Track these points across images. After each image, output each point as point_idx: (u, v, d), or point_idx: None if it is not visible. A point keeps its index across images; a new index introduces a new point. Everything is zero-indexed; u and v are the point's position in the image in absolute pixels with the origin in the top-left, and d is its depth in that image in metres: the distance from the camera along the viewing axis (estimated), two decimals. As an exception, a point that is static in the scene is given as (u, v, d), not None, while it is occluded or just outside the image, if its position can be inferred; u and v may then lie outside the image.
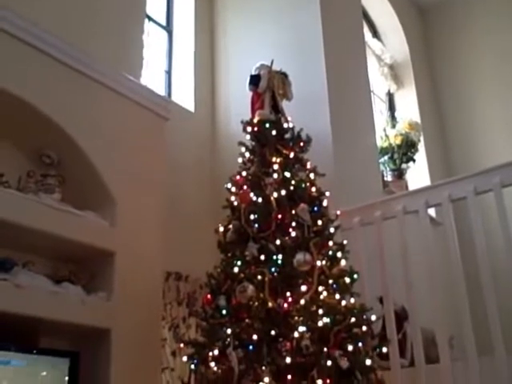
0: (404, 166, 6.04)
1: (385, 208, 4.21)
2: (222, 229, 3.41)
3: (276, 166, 3.45)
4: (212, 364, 3.06)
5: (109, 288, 3.35)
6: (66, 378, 3.11)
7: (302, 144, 3.64)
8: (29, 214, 3.03)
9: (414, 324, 3.95)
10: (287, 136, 3.66)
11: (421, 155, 6.37)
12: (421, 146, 6.30)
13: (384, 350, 3.35)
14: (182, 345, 3.43)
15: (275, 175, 3.41)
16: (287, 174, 3.42)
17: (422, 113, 6.79)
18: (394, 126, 6.17)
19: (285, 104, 3.87)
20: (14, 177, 3.23)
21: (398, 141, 5.99)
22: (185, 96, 5.26)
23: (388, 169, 6.02)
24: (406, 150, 6.01)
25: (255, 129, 3.62)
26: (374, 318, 3.22)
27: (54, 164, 3.43)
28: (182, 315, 4.03)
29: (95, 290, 3.33)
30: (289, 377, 2.89)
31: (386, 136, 6.04)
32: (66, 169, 3.46)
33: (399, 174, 5.99)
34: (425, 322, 4.01)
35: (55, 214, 3.18)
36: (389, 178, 6.01)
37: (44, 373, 3.05)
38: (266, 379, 2.85)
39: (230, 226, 3.37)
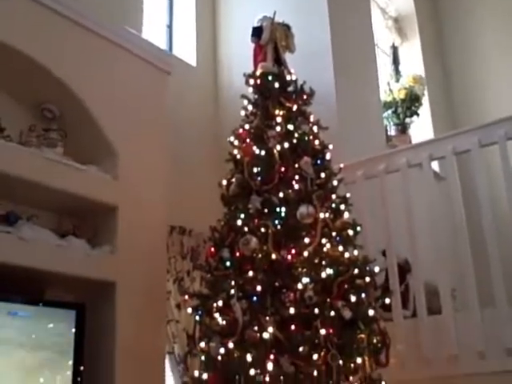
0: (408, 120, 6.01)
1: (388, 161, 4.20)
2: (225, 182, 3.40)
3: (279, 119, 3.42)
4: (216, 315, 3.09)
5: (113, 241, 3.36)
6: (73, 330, 3.15)
7: (305, 97, 3.60)
8: (31, 168, 3.02)
9: (417, 276, 3.98)
10: (290, 89, 3.63)
11: (425, 109, 6.32)
12: (425, 100, 6.25)
13: (387, 301, 3.38)
14: (186, 297, 3.45)
15: (278, 128, 3.39)
16: (290, 127, 3.40)
17: (427, 66, 6.71)
18: (398, 80, 6.11)
19: (288, 57, 3.82)
20: (15, 131, 3.21)
21: (402, 95, 5.94)
22: (186, 50, 5.20)
23: (391, 123, 5.98)
24: (409, 104, 5.96)
25: (258, 81, 3.59)
26: (377, 269, 3.23)
27: (56, 118, 3.41)
28: (187, 269, 4.06)
29: (99, 243, 3.34)
30: (292, 327, 2.92)
31: (390, 90, 5.99)
32: (67, 123, 3.44)
33: (403, 129, 5.96)
34: (427, 274, 4.04)
35: (58, 167, 3.17)
36: (392, 132, 5.97)
37: (51, 325, 3.09)
38: (270, 329, 2.88)
39: (233, 180, 3.37)
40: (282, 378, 2.83)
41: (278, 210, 3.19)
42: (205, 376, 3.02)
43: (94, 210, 3.40)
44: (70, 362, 3.09)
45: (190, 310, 3.28)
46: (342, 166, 3.55)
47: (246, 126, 3.49)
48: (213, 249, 3.27)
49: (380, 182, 4.17)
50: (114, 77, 3.64)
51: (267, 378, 2.83)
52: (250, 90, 3.62)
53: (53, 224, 3.30)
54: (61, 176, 3.16)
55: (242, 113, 3.58)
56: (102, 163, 3.46)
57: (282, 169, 3.28)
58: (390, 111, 5.97)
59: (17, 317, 2.93)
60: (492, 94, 6.62)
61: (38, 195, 3.15)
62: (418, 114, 6.06)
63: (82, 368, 3.13)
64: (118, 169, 3.49)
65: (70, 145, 3.41)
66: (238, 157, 3.41)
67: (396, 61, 6.62)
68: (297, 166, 3.28)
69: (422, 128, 6.30)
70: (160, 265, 3.66)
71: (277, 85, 3.55)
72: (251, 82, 3.61)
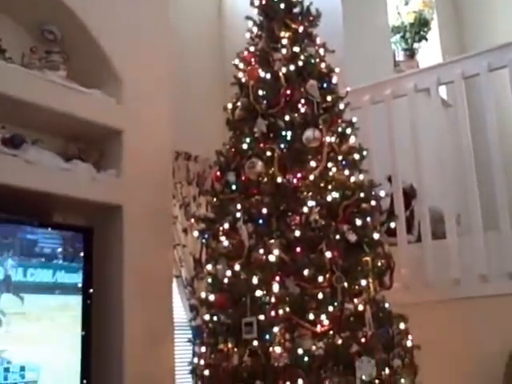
0: (416, 45, 5.89)
1: (395, 86, 4.15)
2: (230, 106, 3.36)
3: (285, 41, 3.34)
4: (223, 238, 3.12)
5: (118, 166, 3.37)
6: (81, 254, 3.19)
7: (311, 18, 3.50)
8: (35, 91, 2.98)
9: (422, 202, 4.00)
10: (296, 10, 3.52)
11: (433, 34, 6.19)
12: (434, 25, 6.11)
13: (392, 225, 3.41)
14: (192, 220, 3.49)
15: (284, 50, 3.32)
16: (296, 49, 3.32)
17: (436, -11, 6.52)
18: (407, 3, 5.95)
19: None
20: (17, 54, 3.15)
21: (411, 18, 5.81)
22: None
23: (399, 48, 5.87)
24: (418, 28, 5.84)
25: (263, 2, 3.49)
26: (382, 193, 3.23)
27: (58, 41, 3.34)
28: (193, 194, 4.07)
29: (105, 167, 3.35)
30: (298, 249, 2.95)
31: (399, 13, 5.84)
32: (69, 46, 3.38)
33: (411, 54, 5.85)
34: (432, 200, 4.06)
35: (61, 90, 3.13)
36: (400, 57, 5.87)
37: (59, 249, 3.12)
38: (276, 252, 2.90)
39: (239, 104, 3.32)
40: (287, 299, 2.87)
41: (283, 133, 3.16)
42: (211, 297, 3.07)
43: (99, 135, 3.38)
44: (79, 285, 3.14)
45: (196, 234, 3.31)
46: (348, 89, 3.49)
47: (251, 49, 3.42)
48: (218, 173, 3.26)
49: (387, 107, 4.12)
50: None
51: (273, 299, 2.88)
52: (255, 11, 3.52)
53: (58, 148, 3.28)
54: (65, 99, 3.12)
55: (247, 35, 3.50)
56: (105, 87, 3.41)
57: (288, 92, 3.23)
58: (398, 36, 5.85)
59: (24, 241, 2.96)
60: (502, 18, 6.46)
61: (42, 119, 3.12)
62: (426, 39, 5.94)
63: (91, 291, 3.18)
64: (122, 93, 3.44)
65: (72, 69, 3.36)
66: (244, 80, 3.35)
67: (405, -17, 6.43)
68: (303, 89, 3.23)
69: (430, 53, 6.18)
70: (166, 189, 3.67)
71: (282, 6, 3.45)
72: (256, 2, 3.51)
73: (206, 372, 2.99)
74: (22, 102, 2.94)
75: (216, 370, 2.95)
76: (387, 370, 2.86)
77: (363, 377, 2.71)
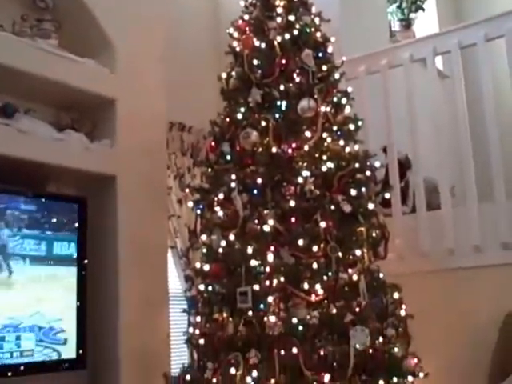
0: (412, 15, 5.83)
1: (391, 56, 4.12)
2: (224, 76, 3.32)
3: (280, 10, 3.30)
4: (217, 209, 3.12)
5: (112, 136, 3.34)
6: (76, 225, 3.18)
7: (306, -14, 3.46)
8: (26, 59, 2.95)
9: (417, 172, 3.99)
10: (291, -22, 3.47)
11: (430, 4, 6.12)
12: (430, -6, 6.05)
13: (386, 196, 3.40)
14: (187, 190, 3.47)
15: (279, 19, 3.28)
16: (291, 18, 3.28)
17: (433, -43, 6.44)
18: (403, -30, 5.88)
19: None
20: (7, 22, 3.10)
21: (407, -12, 5.74)
22: None
23: (395, 18, 5.81)
24: (415, -3, 5.78)
25: (257, -31, 3.44)
26: (377, 164, 3.22)
27: (49, 9, 3.30)
28: (187, 165, 4.06)
29: (98, 137, 3.33)
30: (292, 219, 2.95)
31: (395, -19, 5.78)
32: (61, 14, 3.33)
33: (407, 24, 5.80)
34: (427, 171, 4.05)
35: (53, 59, 3.10)
36: (396, 28, 5.81)
37: (54, 219, 3.11)
38: (271, 222, 2.90)
39: (233, 73, 3.29)
40: (282, 269, 2.88)
41: (278, 103, 3.14)
42: (206, 267, 3.08)
43: (92, 104, 3.35)
44: (74, 256, 3.14)
45: (191, 204, 3.30)
46: (344, 59, 3.46)
47: (246, 17, 3.38)
48: (213, 143, 3.24)
49: (382, 77, 4.10)
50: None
51: (267, 269, 2.88)
52: (250, -22, 3.47)
53: (51, 118, 3.26)
54: (57, 68, 3.09)
55: (242, 3, 3.45)
56: (98, 57, 3.38)
57: (283, 61, 3.19)
58: (394, 6, 5.78)
59: (19, 211, 2.95)
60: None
61: (35, 88, 3.09)
62: (423, 9, 5.88)
63: (86, 261, 3.18)
64: (115, 62, 3.41)
65: (65, 37, 3.32)
66: (238, 49, 3.31)
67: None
68: (298, 58, 3.19)
69: (426, 24, 6.13)
70: (160, 160, 3.66)
71: (277, -28, 3.40)
72: (250, -31, 3.45)
73: (201, 341, 3.01)
74: (14, 71, 2.91)
75: (211, 339, 2.97)
76: (381, 339, 2.89)
77: (357, 346, 2.72)
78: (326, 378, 2.67)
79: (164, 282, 3.54)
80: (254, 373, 2.70)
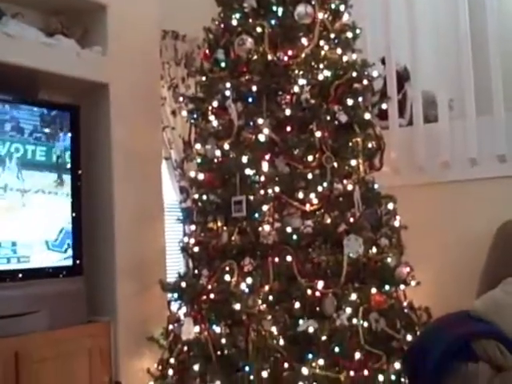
0: None
1: (392, -38, 3.96)
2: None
3: None
4: (212, 118, 3.08)
5: (104, 43, 3.25)
6: (69, 135, 3.13)
7: None
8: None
9: (415, 84, 3.93)
10: None
11: None
12: None
13: (383, 107, 3.35)
14: (181, 99, 3.41)
15: None
16: None
17: None
18: None
19: None
20: None
21: None
22: None
23: None
24: None
25: None
26: (375, 73, 3.16)
27: None
28: (181, 76, 3.97)
29: (89, 44, 3.23)
30: (288, 129, 2.92)
31: None
32: None
33: None
34: (426, 84, 3.98)
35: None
36: None
37: (47, 130, 3.06)
38: (266, 131, 2.87)
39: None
40: (277, 178, 2.87)
41: (274, 9, 3.05)
42: (201, 176, 3.07)
43: (83, 9, 3.24)
44: (68, 166, 3.11)
45: (185, 113, 3.26)
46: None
47: None
48: (207, 51, 3.17)
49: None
50: None
51: (262, 179, 2.87)
52: None
53: (39, 24, 3.15)
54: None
55: None
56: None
57: (280, -35, 3.08)
58: None
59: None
60: None
61: (22, -10, 2.97)
62: None
63: (79, 172, 3.15)
64: (105, -35, 3.27)
65: None
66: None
67: None
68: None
69: None
70: (153, 68, 3.57)
71: None
72: None
73: (196, 249, 3.04)
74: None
75: (206, 247, 3.00)
76: (374, 249, 2.92)
77: (350, 254, 2.76)
78: (320, 284, 2.71)
79: (159, 191, 3.53)
80: (249, 279, 2.74)
